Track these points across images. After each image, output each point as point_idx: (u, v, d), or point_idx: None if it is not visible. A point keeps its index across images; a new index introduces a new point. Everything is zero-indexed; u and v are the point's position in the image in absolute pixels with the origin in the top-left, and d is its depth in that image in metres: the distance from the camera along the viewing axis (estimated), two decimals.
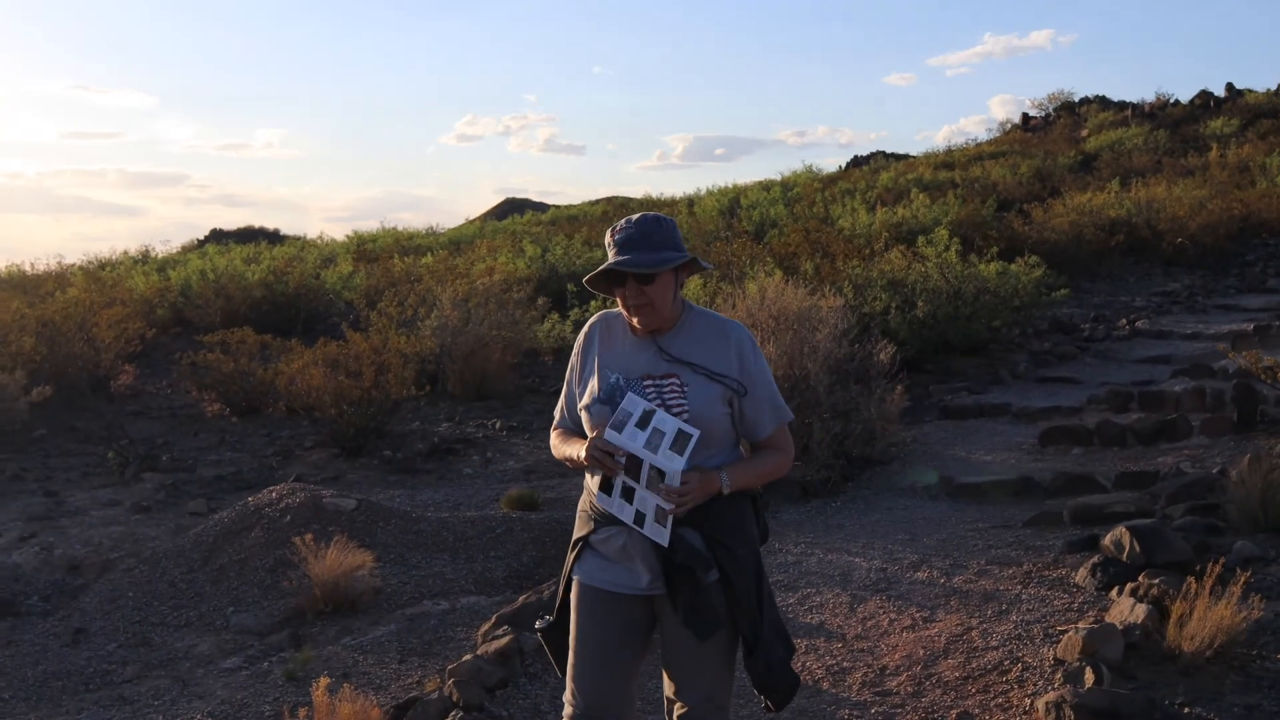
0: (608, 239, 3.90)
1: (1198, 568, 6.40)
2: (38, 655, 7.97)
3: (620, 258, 3.81)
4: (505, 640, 6.68)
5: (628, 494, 3.78)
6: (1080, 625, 6.28)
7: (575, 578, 4.04)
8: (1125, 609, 6.33)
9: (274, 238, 48.19)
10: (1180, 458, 10.10)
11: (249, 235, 49.16)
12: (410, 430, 14.01)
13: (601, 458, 3.76)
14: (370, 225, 56.62)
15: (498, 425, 14.22)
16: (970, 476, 10.12)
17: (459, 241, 34.85)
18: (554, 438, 4.17)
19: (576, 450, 3.92)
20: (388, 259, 26.38)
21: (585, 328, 4.13)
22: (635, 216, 3.91)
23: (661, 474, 3.69)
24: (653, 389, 3.86)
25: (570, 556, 4.08)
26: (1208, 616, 5.80)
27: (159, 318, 21.67)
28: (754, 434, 4.00)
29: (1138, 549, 7.17)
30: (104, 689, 7.34)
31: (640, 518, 3.76)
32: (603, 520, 3.92)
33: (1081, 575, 7.27)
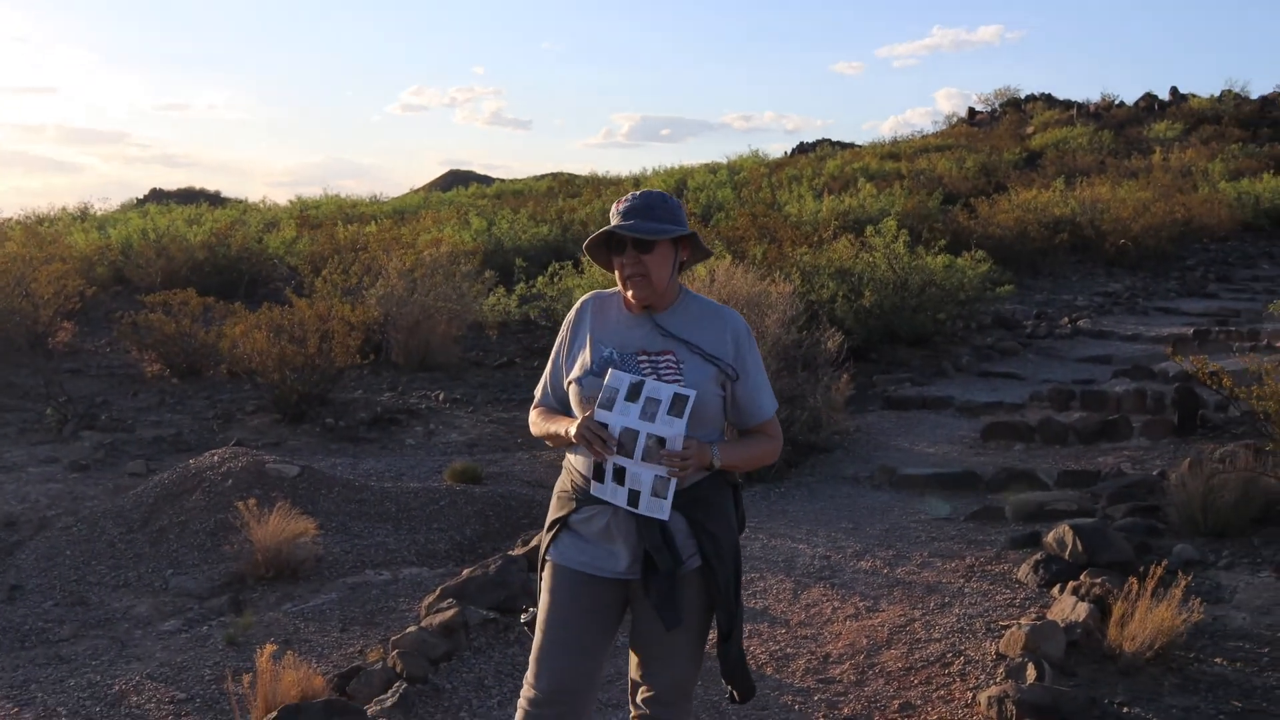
0: (613, 209, 3.89)
1: (1140, 569, 6.46)
2: None
3: (622, 223, 3.80)
4: (450, 613, 6.66)
5: (619, 475, 3.70)
6: (1023, 621, 6.33)
7: (549, 559, 3.97)
8: (1067, 607, 6.40)
9: (215, 200, 47.91)
10: (1121, 458, 10.21)
11: (190, 196, 48.75)
12: (353, 399, 13.93)
13: (593, 439, 3.69)
14: (313, 191, 56.40)
15: (441, 397, 14.16)
16: (913, 468, 10.18)
17: (403, 211, 34.72)
18: (534, 415, 4.11)
19: (563, 427, 3.86)
20: (331, 226, 26.21)
21: (577, 304, 4.11)
22: (640, 191, 3.93)
23: (661, 442, 3.64)
24: (648, 364, 3.82)
25: (546, 538, 4.00)
26: (1148, 618, 5.87)
27: (98, 276, 21.38)
28: (745, 421, 3.99)
29: (1080, 547, 7.24)
30: (40, 647, 7.26)
31: (634, 497, 3.68)
32: (584, 499, 3.85)
33: (1024, 571, 7.35)
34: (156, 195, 52.42)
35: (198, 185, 58.19)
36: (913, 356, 15.34)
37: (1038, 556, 7.39)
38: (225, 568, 8.31)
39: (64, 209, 36.27)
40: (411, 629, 6.55)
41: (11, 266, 17.11)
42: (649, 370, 3.80)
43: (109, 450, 11.71)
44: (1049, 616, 6.39)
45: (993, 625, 6.58)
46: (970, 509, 8.96)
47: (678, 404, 3.65)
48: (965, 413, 12.42)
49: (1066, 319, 18.25)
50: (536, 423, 4.08)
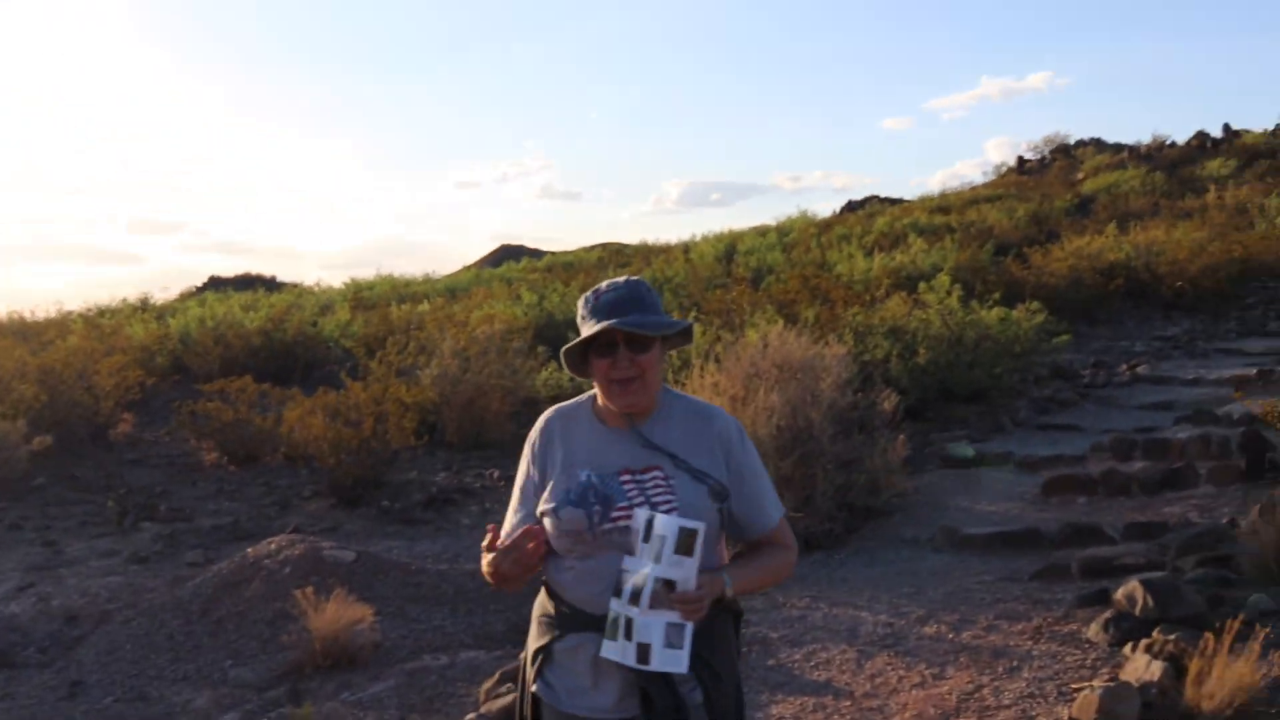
0: (584, 307, 3.41)
1: (1215, 623, 6.30)
2: (34, 708, 7.89)
3: (616, 320, 3.29)
4: (510, 697, 6.57)
5: (627, 628, 3.17)
6: (1095, 683, 6.18)
7: (540, 695, 3.43)
8: (1140, 666, 6.23)
9: (271, 285, 48.45)
10: (1188, 507, 10.01)
11: (246, 282, 49.37)
12: (408, 480, 13.93)
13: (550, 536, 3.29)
14: (366, 272, 56.90)
15: (495, 475, 14.13)
16: (974, 527, 10.02)
17: (455, 289, 34.94)
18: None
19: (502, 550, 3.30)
20: (385, 307, 26.40)
21: (540, 425, 3.60)
22: (621, 279, 3.43)
23: (670, 584, 3.13)
24: (633, 486, 3.32)
25: (531, 670, 3.47)
26: (1226, 674, 5.71)
27: (158, 366, 21.66)
28: (746, 533, 3.50)
29: (1151, 603, 7.06)
30: None
31: (645, 651, 3.14)
32: (571, 624, 3.36)
33: (1094, 630, 7.18)
34: (215, 282, 53.04)
35: (254, 271, 58.91)
36: (969, 413, 15.14)
37: (1107, 614, 7.22)
38: (284, 657, 8.28)
39: (124, 300, 36.74)
40: (470, 715, 6.49)
41: (73, 360, 17.32)
42: (635, 492, 3.30)
43: (168, 541, 11.77)
44: (1122, 677, 6.22)
45: (1064, 688, 6.41)
46: (1035, 567, 8.79)
47: (685, 539, 3.12)
48: (1025, 468, 12.20)
49: (1125, 366, 17.99)
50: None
